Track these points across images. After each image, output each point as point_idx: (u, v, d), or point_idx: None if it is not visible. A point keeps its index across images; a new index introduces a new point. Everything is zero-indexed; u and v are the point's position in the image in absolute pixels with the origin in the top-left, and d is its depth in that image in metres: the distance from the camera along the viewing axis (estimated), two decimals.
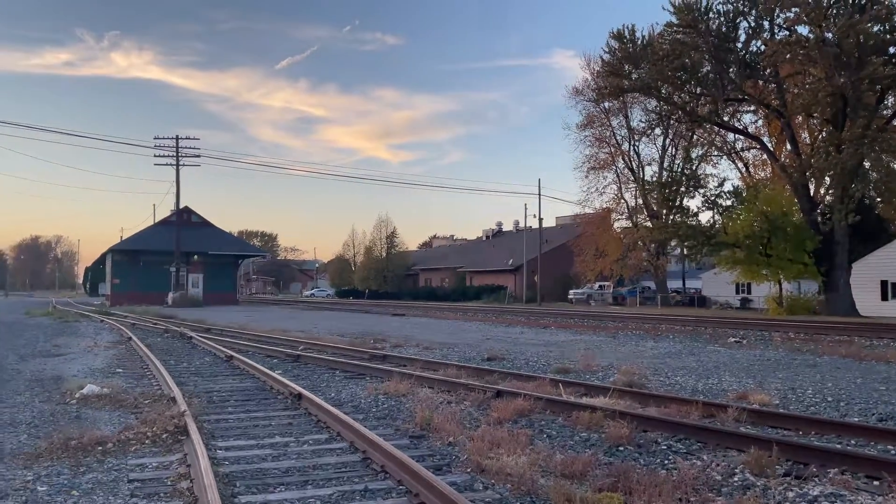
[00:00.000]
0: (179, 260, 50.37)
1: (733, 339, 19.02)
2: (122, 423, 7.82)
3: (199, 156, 50.33)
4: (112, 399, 9.33)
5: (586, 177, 55.04)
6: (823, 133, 35.41)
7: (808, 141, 39.21)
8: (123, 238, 62.55)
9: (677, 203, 46.86)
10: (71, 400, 9.38)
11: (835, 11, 30.32)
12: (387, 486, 5.37)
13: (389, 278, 76.68)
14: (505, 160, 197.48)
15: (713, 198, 42.41)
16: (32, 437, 7.18)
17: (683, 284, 57.57)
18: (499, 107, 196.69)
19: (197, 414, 7.85)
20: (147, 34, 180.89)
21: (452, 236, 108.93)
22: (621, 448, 6.62)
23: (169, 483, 5.51)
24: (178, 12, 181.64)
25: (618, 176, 54.39)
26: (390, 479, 5.52)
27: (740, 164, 47.84)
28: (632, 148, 53.67)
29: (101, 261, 71.11)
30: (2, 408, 8.90)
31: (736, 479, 5.60)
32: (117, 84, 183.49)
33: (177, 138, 49.64)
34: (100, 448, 6.56)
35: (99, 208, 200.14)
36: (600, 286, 55.85)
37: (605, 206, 54.20)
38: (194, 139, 50.78)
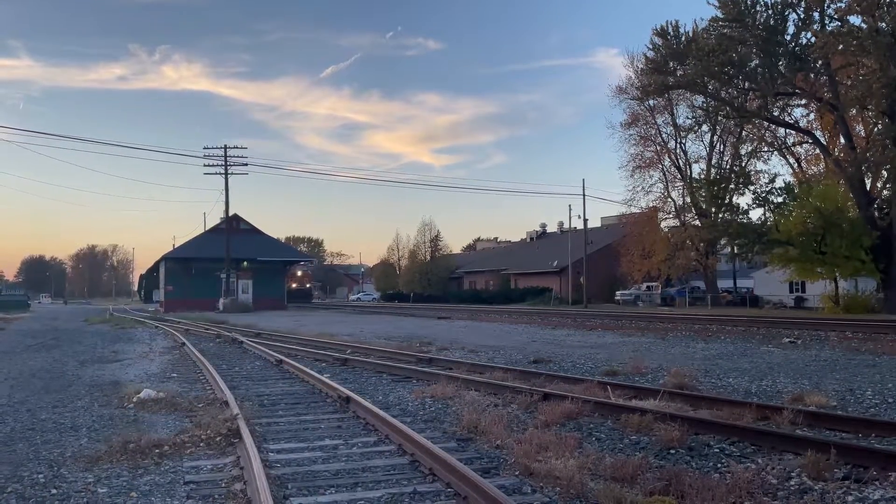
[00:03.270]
0: (229, 266, 51.46)
1: (787, 340, 18.49)
2: (177, 426, 8.03)
3: (246, 164, 51.46)
4: (167, 403, 9.59)
5: (632, 176, 54.37)
6: (879, 126, 34.20)
7: (862, 134, 37.91)
8: (175, 246, 64.41)
9: (727, 201, 45.81)
10: (129, 404, 9.67)
11: (888, 0, 29.29)
12: (435, 489, 5.39)
13: (434, 281, 76.98)
14: (548, 161, 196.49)
15: (764, 195, 41.19)
16: (93, 440, 7.43)
17: (734, 284, 56.23)
18: (541, 108, 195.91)
19: (249, 417, 8.00)
20: (196, 47, 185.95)
21: (496, 238, 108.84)
22: (672, 451, 6.51)
23: (223, 485, 5.64)
24: (226, 25, 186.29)
25: (664, 174, 53.57)
26: (439, 481, 5.54)
27: (792, 160, 46.53)
28: (678, 145, 52.82)
29: (154, 268, 73.23)
30: (63, 412, 9.24)
31: (792, 482, 5.45)
32: (168, 96, 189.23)
33: (225, 148, 50.83)
34: (157, 451, 6.75)
35: (152, 217, 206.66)
36: (648, 287, 54.98)
37: (651, 206, 53.43)
38: (242, 148, 51.99)
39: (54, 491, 5.56)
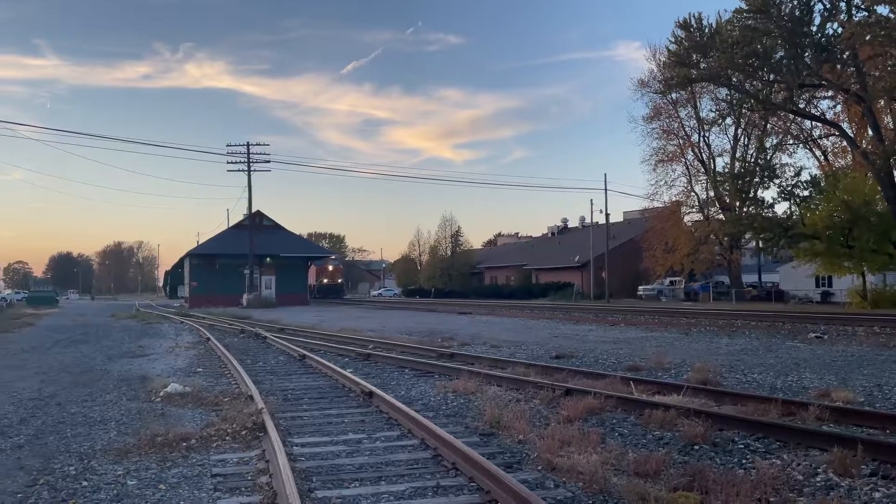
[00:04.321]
0: (253, 262, 51.93)
1: (814, 335, 18.25)
2: (203, 420, 8.16)
3: (268, 161, 51.88)
4: (194, 397, 9.74)
5: (654, 170, 53.95)
6: None
7: (891, 125, 37.24)
8: (200, 242, 65.03)
9: (751, 194, 45.29)
10: (156, 398, 9.83)
11: None
12: (458, 483, 5.43)
13: (455, 277, 77.02)
14: (569, 156, 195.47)
15: (790, 188, 40.67)
16: (122, 433, 7.57)
17: (759, 278, 55.57)
18: (562, 102, 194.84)
19: (273, 411, 8.09)
20: (219, 45, 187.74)
21: (517, 234, 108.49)
22: (696, 447, 6.48)
23: (249, 478, 5.72)
24: (248, 22, 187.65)
25: (687, 168, 53.10)
26: (461, 475, 5.57)
27: (818, 153, 45.89)
28: (702, 139, 52.29)
29: (179, 264, 74.12)
30: (93, 406, 9.42)
31: (818, 479, 5.40)
32: (191, 94, 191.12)
33: (248, 145, 51.26)
34: (184, 444, 6.86)
35: (177, 214, 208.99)
36: (671, 282, 54.53)
37: (674, 200, 52.98)
38: (264, 145, 52.44)
39: (85, 483, 5.69)
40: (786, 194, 40.70)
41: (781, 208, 41.76)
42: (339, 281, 78.62)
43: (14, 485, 5.68)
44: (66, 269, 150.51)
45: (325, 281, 75.32)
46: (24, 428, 7.97)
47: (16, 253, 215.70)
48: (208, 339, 19.61)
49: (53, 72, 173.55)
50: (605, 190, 57.23)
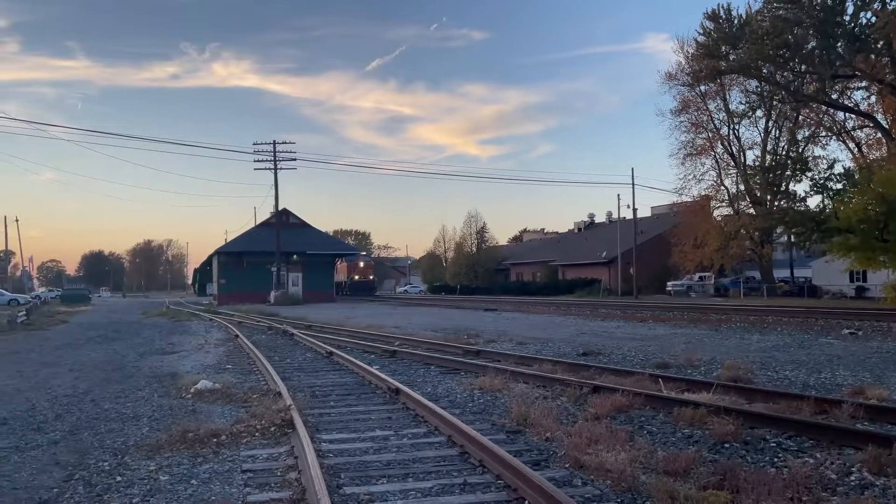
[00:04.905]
0: (280, 260, 52.42)
1: (847, 331, 17.90)
2: (233, 416, 8.26)
3: (295, 159, 52.24)
4: (223, 394, 9.87)
5: (683, 164, 53.20)
6: None
7: None
8: (228, 240, 65.82)
9: (783, 188, 44.54)
10: (186, 395, 9.98)
11: None
12: (485, 481, 5.42)
13: (480, 273, 76.93)
14: (596, 150, 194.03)
15: (822, 181, 39.64)
16: (153, 429, 7.70)
17: (791, 273, 54.62)
18: (589, 96, 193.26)
19: (301, 408, 8.16)
20: (245, 44, 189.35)
21: (543, 230, 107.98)
22: (727, 445, 6.40)
23: (278, 474, 5.78)
24: (274, 21, 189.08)
25: (717, 162, 52.31)
26: (489, 473, 5.57)
27: (851, 145, 44.85)
28: (731, 132, 51.47)
29: (207, 262, 75.11)
30: (125, 402, 9.59)
31: (852, 478, 5.30)
32: (218, 93, 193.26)
33: (274, 143, 51.68)
34: (214, 440, 6.96)
35: (205, 212, 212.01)
36: (700, 277, 53.83)
37: (703, 194, 52.24)
38: (290, 143, 52.80)
39: (119, 478, 5.79)
40: (818, 187, 39.77)
41: (814, 202, 41.10)
42: (371, 278, 77.42)
43: (50, 479, 5.81)
44: (98, 268, 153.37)
45: (357, 278, 74.44)
46: (60, 424, 8.15)
47: (49, 252, 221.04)
48: (237, 336, 19.85)
49: (84, 73, 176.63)
50: (633, 184, 56.70)
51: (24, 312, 32.04)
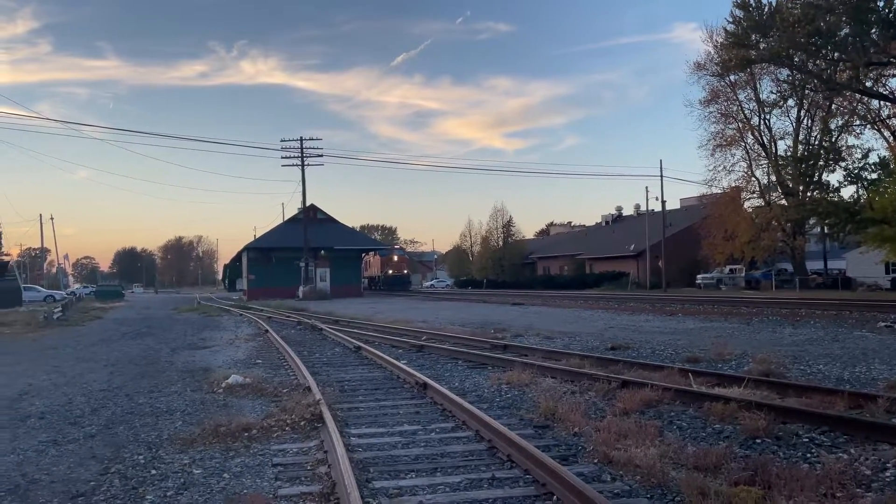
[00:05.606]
0: (308, 255, 52.86)
1: (883, 324, 17.52)
2: (264, 410, 8.37)
3: (321, 155, 52.57)
4: (254, 388, 10.00)
5: (712, 155, 52.36)
6: None
7: None
8: (256, 237, 66.57)
9: (815, 178, 43.67)
10: (218, 389, 10.13)
11: None
12: (513, 475, 5.43)
13: (506, 267, 76.71)
14: (624, 142, 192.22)
15: (857, 171, 38.90)
16: (186, 423, 7.84)
17: (825, 265, 53.59)
18: (616, 87, 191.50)
19: (330, 402, 8.24)
20: (272, 41, 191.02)
21: (570, 223, 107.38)
22: (758, 440, 6.32)
23: (309, 468, 5.85)
24: (300, 18, 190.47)
25: (747, 152, 51.42)
26: (517, 468, 5.57)
27: (886, 133, 43.76)
28: (762, 122, 50.54)
29: (237, 258, 76.00)
30: (159, 396, 9.78)
31: (888, 474, 5.21)
32: (246, 91, 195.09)
33: (301, 140, 52.06)
34: (246, 434, 7.06)
35: (234, 209, 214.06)
36: (731, 270, 53.07)
37: (733, 185, 51.39)
38: (317, 139, 53.14)
39: (153, 472, 5.91)
40: (852, 177, 38.99)
41: (848, 192, 40.32)
42: (405, 272, 75.56)
43: (87, 473, 5.95)
44: (131, 264, 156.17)
45: (391, 272, 73.18)
46: (96, 418, 8.33)
47: (83, 249, 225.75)
48: (266, 331, 20.07)
49: (115, 73, 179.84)
50: (661, 176, 56.25)
51: (60, 309, 32.77)
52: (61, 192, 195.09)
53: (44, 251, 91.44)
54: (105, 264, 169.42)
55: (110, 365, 13.72)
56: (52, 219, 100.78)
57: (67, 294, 59.31)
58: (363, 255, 67.66)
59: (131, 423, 7.94)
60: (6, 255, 65.95)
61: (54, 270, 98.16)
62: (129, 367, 13.37)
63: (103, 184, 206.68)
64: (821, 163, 43.79)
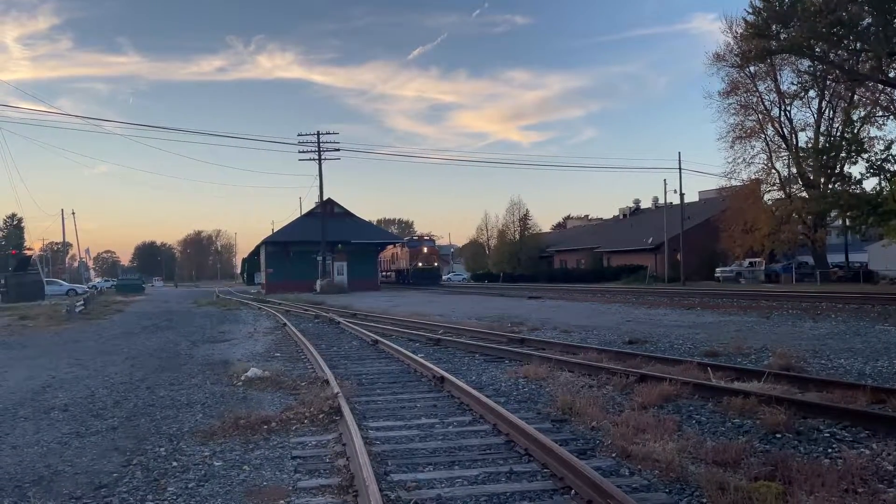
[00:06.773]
0: (325, 249, 53.09)
1: None
2: (282, 403, 8.44)
3: (338, 149, 52.77)
4: (273, 381, 10.08)
5: (731, 147, 51.83)
6: None
7: None
8: (274, 230, 66.95)
9: (837, 170, 43.01)
10: (237, 382, 10.22)
11: None
12: (531, 469, 5.43)
13: (523, 261, 76.53)
14: (641, 135, 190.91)
15: (879, 162, 38.23)
16: (207, 416, 7.93)
17: (846, 258, 52.91)
18: (634, 79, 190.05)
19: (348, 396, 8.29)
20: (289, 35, 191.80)
21: (587, 216, 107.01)
22: (778, 435, 6.27)
23: (327, 460, 5.90)
24: (317, 12, 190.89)
25: (767, 144, 50.82)
26: (534, 462, 5.57)
27: None
28: (782, 113, 49.91)
29: (255, 252, 76.57)
30: (179, 389, 9.88)
31: None
32: (263, 85, 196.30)
33: (318, 134, 52.25)
34: (265, 427, 7.13)
35: (252, 203, 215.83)
36: (750, 263, 52.53)
37: (753, 178, 50.83)
38: (334, 133, 53.44)
39: (175, 464, 5.99)
40: (875, 169, 38.32)
41: (870, 184, 39.65)
42: (435, 264, 71.17)
43: (110, 465, 6.04)
44: (151, 258, 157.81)
45: (420, 265, 68.60)
46: (118, 410, 8.44)
47: (104, 243, 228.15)
48: (285, 324, 20.20)
49: (134, 68, 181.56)
50: (680, 169, 55.71)
51: (82, 302, 33.21)
52: (82, 187, 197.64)
53: (65, 245, 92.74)
54: (125, 258, 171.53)
55: (131, 358, 13.88)
56: (73, 213, 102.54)
57: (89, 288, 60.11)
58: (388, 246, 67.43)
59: (153, 416, 8.04)
60: (29, 249, 66.86)
61: (76, 264, 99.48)
62: (150, 360, 13.53)
63: (124, 178, 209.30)
64: (842, 154, 43.05)
